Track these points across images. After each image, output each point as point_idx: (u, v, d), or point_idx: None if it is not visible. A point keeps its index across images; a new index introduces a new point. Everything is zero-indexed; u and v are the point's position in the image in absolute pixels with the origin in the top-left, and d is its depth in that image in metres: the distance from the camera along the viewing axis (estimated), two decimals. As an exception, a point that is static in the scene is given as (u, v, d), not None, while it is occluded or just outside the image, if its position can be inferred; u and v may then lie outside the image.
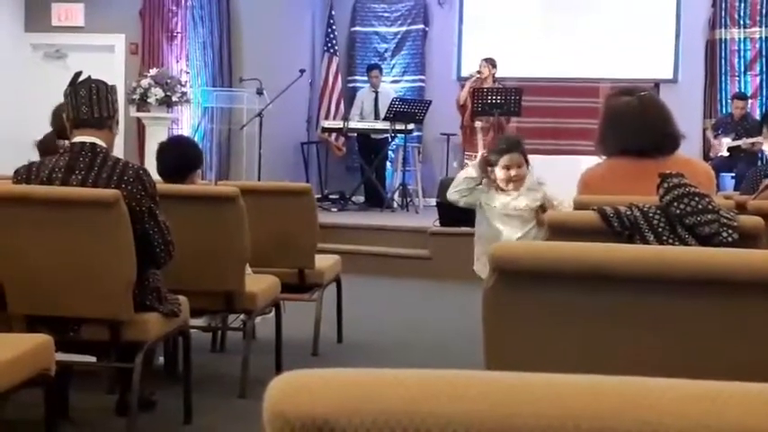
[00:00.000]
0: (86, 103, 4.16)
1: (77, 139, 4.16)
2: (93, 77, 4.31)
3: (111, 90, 4.28)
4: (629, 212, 2.77)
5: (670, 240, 2.70)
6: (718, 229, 2.67)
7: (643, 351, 1.81)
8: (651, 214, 2.76)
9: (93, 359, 4.39)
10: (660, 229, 2.73)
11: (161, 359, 5.37)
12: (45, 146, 5.66)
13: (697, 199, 2.74)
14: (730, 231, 2.65)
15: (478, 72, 12.34)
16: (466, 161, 12.33)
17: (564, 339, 1.88)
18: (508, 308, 1.92)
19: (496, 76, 12.48)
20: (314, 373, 1.04)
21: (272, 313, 5.61)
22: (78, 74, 4.32)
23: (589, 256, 1.86)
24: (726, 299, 1.77)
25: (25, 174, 4.17)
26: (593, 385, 1.00)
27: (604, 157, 3.91)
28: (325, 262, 6.27)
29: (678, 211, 2.73)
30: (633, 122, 3.72)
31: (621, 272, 1.83)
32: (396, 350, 6.49)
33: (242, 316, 5.39)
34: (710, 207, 2.73)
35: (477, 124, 12.25)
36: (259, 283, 5.26)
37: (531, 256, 1.93)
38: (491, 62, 12.42)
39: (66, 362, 4.06)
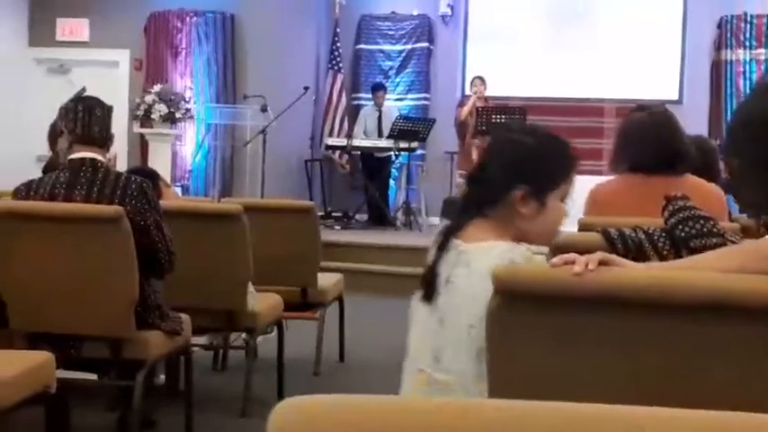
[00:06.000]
0: (98, 122, 4.23)
1: (77, 155, 4.17)
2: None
3: (111, 111, 4.36)
4: (633, 235, 2.75)
5: (675, 264, 2.68)
6: (723, 252, 2.65)
7: (650, 377, 1.79)
8: (656, 237, 2.74)
9: (95, 377, 4.37)
10: (665, 252, 2.71)
11: (162, 377, 5.35)
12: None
13: (702, 222, 2.72)
14: (736, 255, 2.63)
15: (475, 90, 12.45)
16: (460, 180, 12.35)
17: (569, 364, 1.86)
18: (512, 331, 1.91)
19: (496, 95, 12.56)
20: (316, 399, 1.03)
21: (275, 332, 5.59)
22: (84, 89, 4.36)
23: (594, 279, 1.84)
24: (735, 325, 1.75)
25: (25, 191, 4.18)
26: (599, 414, 0.99)
27: (614, 176, 3.92)
28: (327, 280, 6.25)
29: (683, 234, 2.71)
30: (643, 137, 3.73)
31: (627, 295, 1.81)
32: (397, 370, 6.45)
33: (244, 335, 5.37)
34: (716, 230, 2.71)
35: (475, 142, 12.27)
36: (261, 302, 5.24)
37: (535, 278, 1.92)
38: (483, 80, 12.52)
39: (67, 379, 4.04)
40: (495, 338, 1.93)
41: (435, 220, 11.39)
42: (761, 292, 1.75)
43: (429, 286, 2.50)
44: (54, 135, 5.19)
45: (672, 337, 1.78)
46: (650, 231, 2.76)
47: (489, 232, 2.47)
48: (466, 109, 12.40)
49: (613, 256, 1.94)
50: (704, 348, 1.77)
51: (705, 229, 2.71)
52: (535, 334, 1.89)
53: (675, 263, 2.35)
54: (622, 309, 1.81)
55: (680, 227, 2.73)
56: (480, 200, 2.55)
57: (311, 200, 12.45)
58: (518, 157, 2.54)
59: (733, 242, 2.71)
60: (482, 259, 2.37)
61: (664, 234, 2.75)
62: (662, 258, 2.71)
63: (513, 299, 1.89)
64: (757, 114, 1.99)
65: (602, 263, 1.87)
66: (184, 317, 4.49)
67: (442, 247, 2.51)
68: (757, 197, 2.29)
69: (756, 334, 1.75)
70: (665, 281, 1.82)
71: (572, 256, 1.91)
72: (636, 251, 2.73)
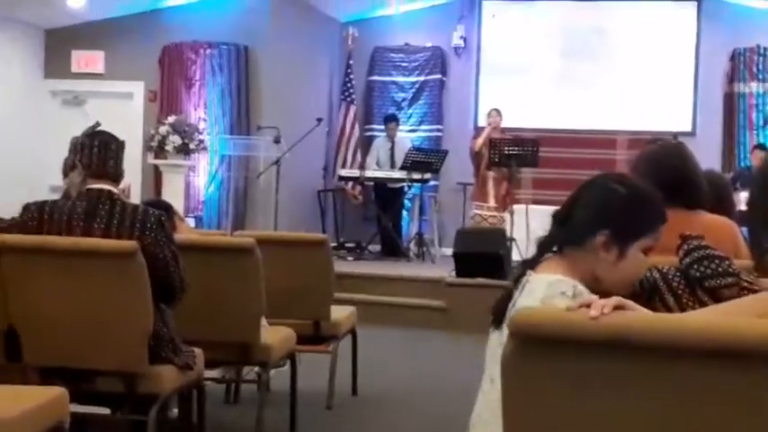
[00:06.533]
0: (112, 156, 4.26)
1: (95, 186, 4.19)
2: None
3: (123, 146, 4.39)
4: (648, 274, 2.75)
5: (690, 303, 2.68)
6: (738, 293, 2.64)
7: (666, 424, 1.78)
8: (671, 276, 2.74)
9: (108, 411, 4.36)
10: (680, 292, 2.71)
11: (175, 410, 5.34)
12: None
13: (717, 261, 2.72)
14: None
15: (491, 122, 12.46)
16: (475, 211, 12.33)
17: (584, 409, 1.85)
18: (527, 375, 1.90)
19: (509, 126, 12.58)
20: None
21: (287, 365, 5.58)
22: (99, 123, 4.39)
23: (609, 324, 1.83)
24: (754, 371, 1.73)
25: (37, 213, 4.17)
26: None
27: None
28: (340, 313, 6.24)
29: (698, 274, 2.71)
30: (651, 165, 3.69)
31: (643, 340, 1.80)
32: (410, 404, 6.45)
33: (256, 368, 5.36)
34: (731, 270, 2.71)
35: (490, 174, 12.27)
36: (274, 335, 5.23)
37: (551, 322, 1.91)
38: (500, 112, 12.53)
39: (80, 414, 4.03)
40: (510, 382, 1.92)
41: (448, 251, 11.36)
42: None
43: (500, 313, 2.59)
44: (66, 169, 5.21)
45: (689, 383, 1.77)
46: (665, 271, 2.76)
47: (561, 269, 2.56)
48: (480, 140, 12.40)
49: (629, 302, 1.93)
50: (723, 395, 1.76)
51: (720, 269, 2.71)
52: (550, 378, 1.88)
53: (699, 311, 2.35)
54: (638, 354, 1.79)
55: (695, 266, 2.73)
56: (563, 239, 2.65)
57: (324, 230, 12.50)
58: (607, 203, 2.61)
59: (748, 282, 2.70)
60: (538, 288, 2.48)
61: (678, 273, 2.75)
62: (677, 297, 2.71)
63: (528, 342, 1.89)
64: None
65: (617, 307, 1.87)
66: (198, 351, 4.49)
67: (519, 278, 2.61)
68: None
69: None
70: (681, 325, 1.81)
71: (588, 299, 1.91)
72: (651, 290, 2.73)
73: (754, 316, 1.93)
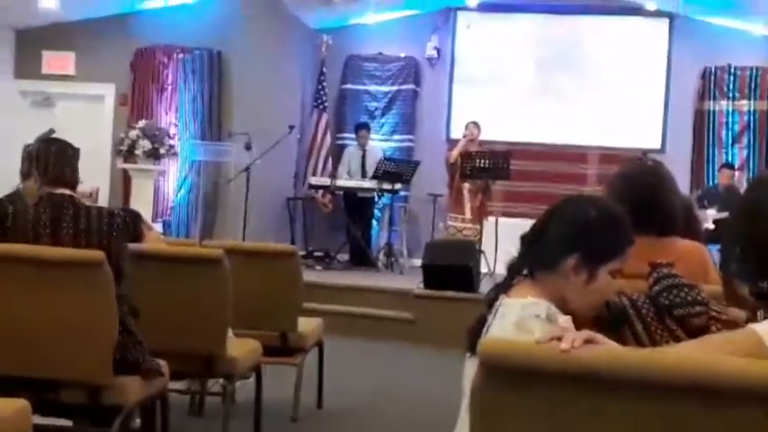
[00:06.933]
0: (69, 163, 4.26)
1: (58, 191, 4.18)
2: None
3: (78, 153, 4.40)
4: (617, 300, 2.75)
5: (659, 331, 2.68)
6: (706, 322, 2.65)
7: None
8: (640, 303, 2.74)
9: (70, 423, 4.32)
10: (649, 320, 2.70)
11: (138, 421, 5.29)
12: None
13: (686, 290, 2.72)
14: (719, 326, 2.63)
15: (466, 134, 12.45)
16: (450, 223, 12.32)
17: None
18: (496, 406, 1.89)
19: (480, 139, 12.57)
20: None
21: (253, 377, 5.54)
22: (53, 131, 4.38)
23: (579, 357, 1.82)
24: (719, 407, 1.74)
25: None
26: None
27: None
28: (308, 325, 6.20)
29: (667, 302, 2.70)
30: (626, 181, 3.63)
31: (615, 374, 1.80)
32: (375, 417, 6.44)
33: (221, 380, 5.31)
34: (699, 299, 2.70)
35: (465, 186, 12.27)
36: (240, 348, 5.19)
37: (522, 353, 1.90)
38: (478, 125, 12.53)
39: (42, 426, 3.98)
40: (478, 412, 1.91)
41: (417, 262, 11.34)
42: (746, 374, 1.74)
43: (475, 338, 2.54)
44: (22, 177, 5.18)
45: (658, 418, 1.77)
46: (634, 298, 2.75)
47: (533, 292, 2.57)
48: (455, 152, 12.39)
49: (599, 335, 1.92)
50: (691, 430, 1.76)
51: (689, 298, 2.71)
52: (519, 409, 1.87)
53: (669, 348, 2.35)
54: (607, 388, 1.79)
55: (664, 294, 2.73)
56: (533, 262, 2.65)
57: (293, 238, 12.46)
58: (577, 226, 2.63)
59: (716, 311, 2.70)
60: (511, 311, 2.48)
61: (648, 301, 2.75)
62: (645, 325, 2.70)
63: (496, 373, 1.88)
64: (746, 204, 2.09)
65: (588, 341, 1.86)
66: (163, 363, 4.45)
67: (491, 303, 2.62)
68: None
69: (740, 416, 1.74)
70: (651, 361, 1.81)
71: (558, 332, 1.90)
72: (619, 316, 2.72)
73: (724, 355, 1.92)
